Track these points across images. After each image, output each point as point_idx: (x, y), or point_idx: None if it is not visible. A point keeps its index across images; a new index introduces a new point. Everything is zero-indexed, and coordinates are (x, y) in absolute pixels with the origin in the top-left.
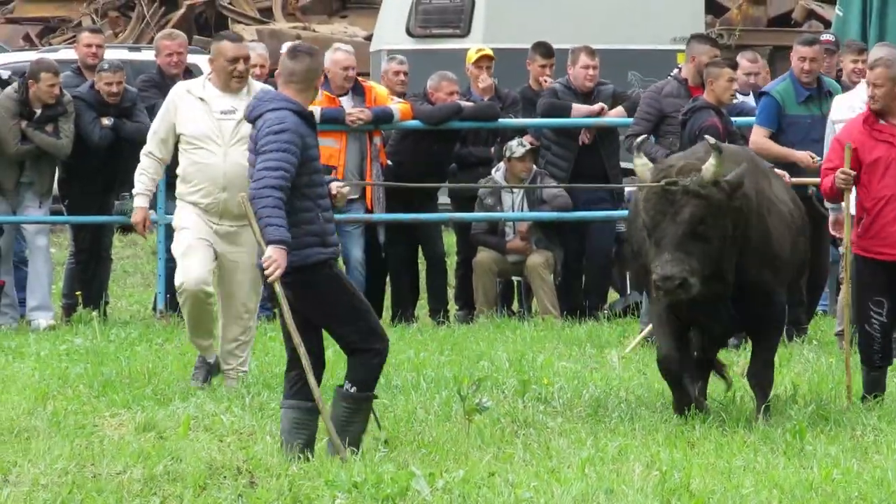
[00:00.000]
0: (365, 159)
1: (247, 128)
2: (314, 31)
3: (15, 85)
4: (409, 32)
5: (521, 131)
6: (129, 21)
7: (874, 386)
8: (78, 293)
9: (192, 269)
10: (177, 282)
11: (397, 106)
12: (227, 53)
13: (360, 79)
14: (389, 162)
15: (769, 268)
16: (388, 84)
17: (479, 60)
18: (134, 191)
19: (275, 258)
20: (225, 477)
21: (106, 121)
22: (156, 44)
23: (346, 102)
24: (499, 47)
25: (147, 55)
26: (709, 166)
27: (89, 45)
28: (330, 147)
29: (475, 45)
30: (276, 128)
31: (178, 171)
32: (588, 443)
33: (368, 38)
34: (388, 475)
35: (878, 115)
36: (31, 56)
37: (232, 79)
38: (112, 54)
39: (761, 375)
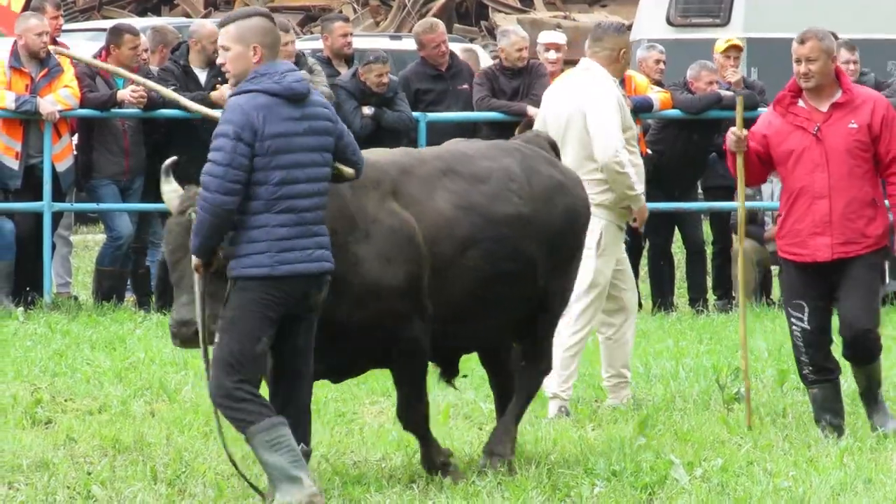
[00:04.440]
0: None
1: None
2: (574, 20)
3: None
4: (668, 21)
5: None
6: (390, 10)
7: (822, 406)
8: None
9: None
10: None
11: (657, 95)
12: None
13: None
14: (650, 151)
15: (354, 300)
16: (646, 73)
17: (727, 50)
18: (639, 189)
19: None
20: (485, 464)
21: (367, 110)
22: (416, 38)
23: None
24: (759, 37)
25: (407, 44)
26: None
27: (345, 35)
28: None
29: (735, 34)
30: (217, 129)
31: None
32: (847, 432)
33: (629, 28)
34: (646, 464)
35: (798, 95)
36: None
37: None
38: (373, 43)
39: (400, 413)
